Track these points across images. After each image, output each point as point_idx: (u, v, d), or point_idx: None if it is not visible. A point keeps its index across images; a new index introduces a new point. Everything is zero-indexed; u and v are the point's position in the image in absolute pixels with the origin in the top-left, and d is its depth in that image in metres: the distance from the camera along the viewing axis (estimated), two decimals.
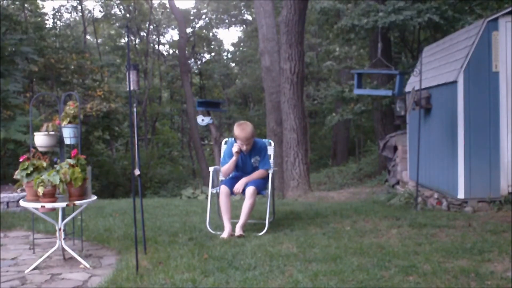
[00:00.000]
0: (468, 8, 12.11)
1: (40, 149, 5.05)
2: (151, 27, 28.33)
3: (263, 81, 15.12)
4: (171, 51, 30.88)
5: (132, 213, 4.49)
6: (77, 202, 4.53)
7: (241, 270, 4.06)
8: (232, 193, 5.61)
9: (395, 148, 9.78)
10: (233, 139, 5.84)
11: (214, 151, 10.02)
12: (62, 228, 4.66)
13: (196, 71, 29.25)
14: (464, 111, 6.52)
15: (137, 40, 27.95)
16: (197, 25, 30.02)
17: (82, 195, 4.60)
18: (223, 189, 5.54)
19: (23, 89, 12.76)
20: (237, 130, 5.60)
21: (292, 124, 11.76)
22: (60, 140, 5.16)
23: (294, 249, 4.72)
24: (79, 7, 26.32)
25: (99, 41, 28.49)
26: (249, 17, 29.61)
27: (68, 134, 5.07)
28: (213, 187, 5.82)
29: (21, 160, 4.65)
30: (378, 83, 12.64)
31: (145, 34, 28.11)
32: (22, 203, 4.57)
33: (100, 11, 28.54)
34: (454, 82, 6.61)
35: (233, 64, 31.70)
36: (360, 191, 11.48)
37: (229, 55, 31.97)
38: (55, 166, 4.59)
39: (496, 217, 6.12)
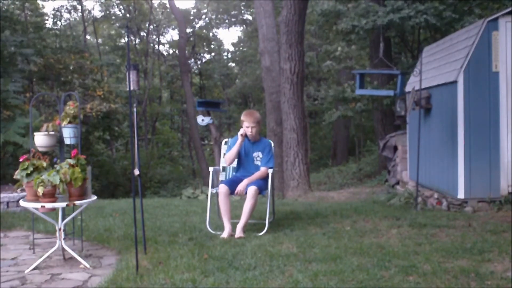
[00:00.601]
0: (467, 8, 12.11)
1: (40, 149, 5.05)
2: (151, 27, 28.33)
3: (263, 81, 15.12)
4: (171, 51, 30.90)
5: (132, 213, 4.49)
6: (77, 202, 4.53)
7: (241, 270, 4.06)
8: (231, 193, 5.61)
9: (395, 148, 9.78)
10: (234, 138, 5.86)
11: (214, 151, 10.02)
12: (62, 228, 4.66)
13: (196, 71, 29.25)
14: (464, 111, 6.52)
15: (137, 40, 27.95)
16: (197, 25, 30.02)
17: (82, 195, 4.60)
18: (222, 189, 5.54)
19: (23, 89, 12.77)
20: (244, 115, 5.77)
21: (292, 124, 11.76)
22: (60, 140, 5.17)
23: (294, 249, 4.72)
24: (79, 7, 26.33)
25: (99, 41, 28.50)
26: (249, 17, 29.60)
27: (68, 134, 5.07)
28: (213, 187, 5.82)
29: (21, 160, 4.65)
30: (378, 83, 12.65)
31: (145, 34, 28.11)
32: (22, 203, 4.57)
33: (99, 11, 28.59)
34: (454, 82, 6.61)
35: (233, 64, 31.70)
36: (360, 191, 11.48)
37: (229, 55, 31.98)
38: (55, 166, 4.59)
39: (496, 217, 6.12)
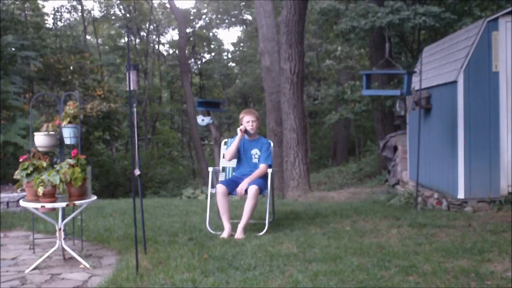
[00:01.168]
0: (467, 8, 12.11)
1: (40, 149, 5.05)
2: (151, 27, 28.33)
3: (263, 81, 15.12)
4: (171, 51, 30.88)
5: (132, 213, 4.49)
6: (77, 202, 4.53)
7: (241, 270, 4.06)
8: (230, 192, 5.61)
9: (395, 148, 9.79)
10: (233, 139, 5.87)
11: (214, 151, 10.02)
12: (62, 228, 4.66)
13: (196, 71, 29.24)
14: (464, 111, 6.52)
15: (137, 40, 27.95)
16: (197, 25, 30.01)
17: (82, 195, 4.60)
18: (220, 189, 5.53)
19: (23, 90, 12.76)
20: (243, 112, 5.91)
21: (292, 124, 11.76)
22: (60, 140, 5.17)
23: (294, 249, 4.72)
24: (79, 7, 26.32)
25: (99, 41, 28.49)
26: (249, 17, 29.59)
27: (68, 134, 5.07)
28: (212, 187, 5.82)
29: (21, 160, 4.65)
30: (379, 83, 12.64)
31: (145, 34, 28.11)
32: (22, 203, 4.57)
33: (99, 11, 28.58)
34: (454, 82, 6.61)
35: (233, 64, 31.69)
36: (360, 191, 11.48)
37: (229, 55, 31.97)
38: (55, 166, 4.59)
39: (496, 217, 6.12)
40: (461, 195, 6.55)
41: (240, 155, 5.87)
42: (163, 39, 31.07)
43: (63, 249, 4.69)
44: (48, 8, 40.60)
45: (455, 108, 6.61)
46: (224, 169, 6.13)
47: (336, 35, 13.34)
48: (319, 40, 22.29)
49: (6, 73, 10.58)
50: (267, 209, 5.68)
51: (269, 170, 5.74)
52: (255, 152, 5.82)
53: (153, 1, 27.50)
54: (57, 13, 23.95)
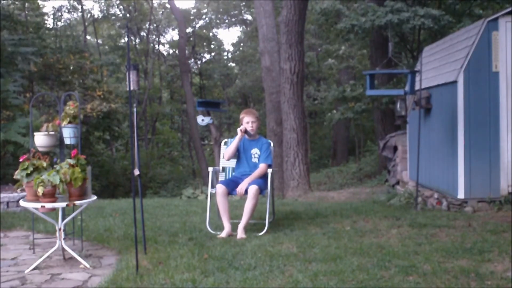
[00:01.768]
0: (467, 9, 12.10)
1: (40, 149, 5.05)
2: (151, 27, 28.33)
3: (263, 81, 15.13)
4: (171, 51, 30.88)
5: (132, 213, 4.49)
6: (77, 202, 4.53)
7: (241, 270, 4.06)
8: (230, 192, 5.61)
9: (395, 148, 9.78)
10: (233, 139, 5.87)
11: (214, 151, 10.02)
12: (62, 228, 4.66)
13: (196, 71, 29.24)
14: (464, 111, 6.52)
15: (137, 40, 27.95)
16: (197, 25, 30.01)
17: (82, 195, 4.60)
18: (219, 189, 5.53)
19: (23, 89, 12.76)
20: (243, 112, 5.93)
21: (292, 124, 11.76)
22: (60, 140, 5.16)
23: (294, 249, 4.72)
24: (79, 7, 26.32)
25: (99, 41, 28.48)
26: (249, 17, 29.59)
27: (68, 134, 5.07)
28: (212, 187, 5.82)
29: (21, 160, 4.64)
30: (378, 83, 12.64)
31: (145, 34, 28.11)
32: (22, 203, 4.57)
33: (99, 11, 28.59)
34: (454, 82, 6.61)
35: (233, 64, 31.69)
36: (360, 191, 11.48)
37: (229, 55, 31.97)
38: (55, 166, 4.58)
39: (496, 217, 6.12)
40: (461, 195, 6.55)
41: (240, 154, 5.87)
42: (163, 39, 31.12)
43: (63, 249, 4.68)
44: (48, 8, 40.57)
45: (455, 108, 6.61)
46: (224, 169, 6.13)
47: (336, 35, 13.36)
48: (319, 40, 22.29)
49: (7, 71, 10.58)
50: (267, 209, 5.68)
51: (269, 170, 5.74)
52: (255, 151, 5.82)
53: (153, 1, 27.51)
54: (57, 13, 23.99)
